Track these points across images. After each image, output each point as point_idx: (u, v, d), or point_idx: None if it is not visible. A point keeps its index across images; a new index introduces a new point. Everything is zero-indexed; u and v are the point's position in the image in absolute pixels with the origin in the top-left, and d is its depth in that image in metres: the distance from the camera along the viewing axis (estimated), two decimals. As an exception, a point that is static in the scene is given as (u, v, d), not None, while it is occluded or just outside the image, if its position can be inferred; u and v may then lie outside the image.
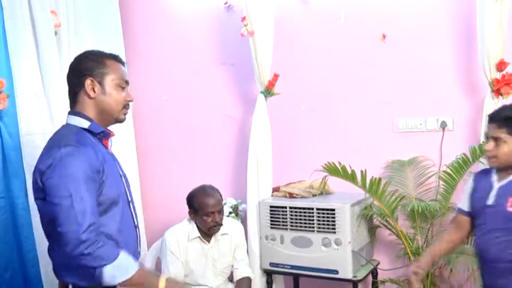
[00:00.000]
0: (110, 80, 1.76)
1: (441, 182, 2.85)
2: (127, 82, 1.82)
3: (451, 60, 3.02)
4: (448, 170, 2.79)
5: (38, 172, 1.66)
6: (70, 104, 1.81)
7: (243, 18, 3.05)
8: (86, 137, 1.72)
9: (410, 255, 2.81)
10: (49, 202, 1.61)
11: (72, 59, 2.94)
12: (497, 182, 2.09)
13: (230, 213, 3.29)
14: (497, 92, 2.72)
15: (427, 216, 2.81)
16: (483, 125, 2.77)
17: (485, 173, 2.20)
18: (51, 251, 1.78)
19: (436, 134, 3.05)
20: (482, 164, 2.76)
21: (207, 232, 2.70)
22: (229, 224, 2.83)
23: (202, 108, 3.66)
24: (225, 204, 3.12)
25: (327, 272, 2.79)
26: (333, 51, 3.26)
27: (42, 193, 1.66)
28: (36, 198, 1.72)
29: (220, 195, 2.75)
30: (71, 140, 1.67)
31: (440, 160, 3.01)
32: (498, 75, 2.72)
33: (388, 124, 3.14)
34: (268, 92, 3.19)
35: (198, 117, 3.68)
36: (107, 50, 3.20)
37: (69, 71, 1.82)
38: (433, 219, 2.83)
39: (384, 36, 3.09)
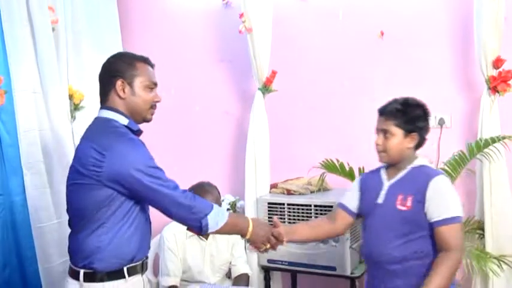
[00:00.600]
0: (139, 82, 1.85)
1: (438, 179, 2.86)
2: (155, 84, 1.91)
3: (448, 57, 3.02)
4: (445, 167, 2.80)
5: (95, 158, 1.71)
6: (101, 101, 1.90)
7: (241, 15, 3.05)
8: (128, 133, 1.82)
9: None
10: (124, 181, 1.71)
11: (69, 56, 3.00)
12: (387, 181, 2.08)
13: (228, 210, 3.30)
14: (494, 89, 2.72)
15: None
16: (480, 122, 2.78)
17: (374, 173, 2.18)
18: (74, 235, 1.83)
19: (434, 131, 3.04)
20: (479, 160, 2.77)
21: (205, 229, 2.70)
22: (227, 221, 2.83)
23: (200, 105, 3.66)
24: (223, 201, 3.13)
25: (324, 268, 2.80)
26: (331, 48, 3.26)
27: (94, 178, 1.71)
28: (76, 183, 1.78)
29: (218, 192, 2.75)
30: (122, 132, 1.79)
31: (438, 157, 3.02)
32: (495, 73, 2.72)
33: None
34: (266, 88, 3.19)
35: (196, 114, 3.68)
36: (104, 47, 3.26)
37: (101, 71, 1.91)
38: (430, 215, 2.84)
39: (382, 34, 3.09)
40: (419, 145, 2.06)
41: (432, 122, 3.01)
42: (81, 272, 1.77)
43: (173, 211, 1.77)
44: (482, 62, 2.73)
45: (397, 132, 1.99)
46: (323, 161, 2.87)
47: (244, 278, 2.76)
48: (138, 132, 1.89)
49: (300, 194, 3.02)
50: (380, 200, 2.05)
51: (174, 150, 3.70)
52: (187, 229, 1.90)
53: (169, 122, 3.67)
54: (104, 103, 1.88)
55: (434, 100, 3.02)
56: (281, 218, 2.93)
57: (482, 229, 2.79)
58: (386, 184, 2.06)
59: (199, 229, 1.81)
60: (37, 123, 2.75)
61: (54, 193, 2.80)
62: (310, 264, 2.83)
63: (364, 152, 3.11)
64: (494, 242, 2.75)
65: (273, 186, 3.20)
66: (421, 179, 1.98)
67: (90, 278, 1.76)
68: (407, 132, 2.00)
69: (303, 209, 2.86)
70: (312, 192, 3.02)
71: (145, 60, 1.90)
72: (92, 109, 3.08)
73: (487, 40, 2.68)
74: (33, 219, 2.68)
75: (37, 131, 2.74)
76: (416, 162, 2.05)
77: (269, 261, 3.01)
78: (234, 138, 3.56)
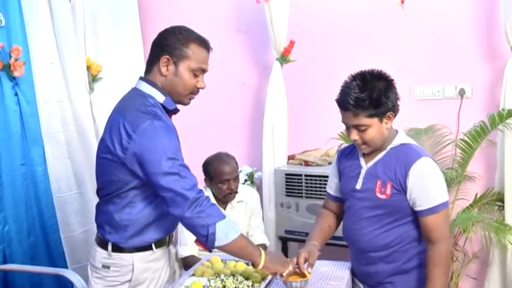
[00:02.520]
0: (186, 64, 1.73)
1: (458, 150, 2.83)
2: (204, 70, 1.80)
3: (471, 24, 2.94)
4: (466, 138, 2.76)
5: (123, 139, 1.65)
6: (146, 69, 1.79)
7: (258, -16, 2.99)
8: (162, 111, 1.72)
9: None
10: (145, 169, 1.64)
11: (86, 27, 2.99)
12: (365, 163, 1.89)
13: (245, 180, 3.31)
14: (519, 59, 2.65)
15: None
16: (503, 92, 2.72)
17: (349, 151, 1.99)
18: (103, 206, 1.81)
19: (454, 102, 3.01)
20: (501, 131, 2.72)
21: (223, 199, 2.72)
22: (245, 192, 2.84)
23: (217, 76, 3.62)
24: (240, 171, 3.14)
25: (341, 239, 2.80)
26: (350, 17, 3.20)
27: (120, 158, 1.66)
28: (105, 158, 1.72)
29: (236, 163, 2.76)
30: (155, 113, 1.68)
31: (457, 128, 2.98)
32: (521, 41, 2.64)
33: (405, 92, 3.05)
34: (284, 59, 3.15)
35: (213, 85, 3.63)
36: (121, 18, 3.24)
37: (155, 39, 1.79)
38: (449, 187, 2.81)
39: (403, 1, 3.01)
40: (394, 117, 1.84)
41: (452, 92, 3.00)
42: (110, 243, 1.79)
43: (180, 211, 1.63)
44: (508, 30, 2.64)
45: (372, 122, 1.76)
46: (341, 132, 2.85)
47: (261, 248, 2.79)
48: (175, 111, 1.81)
49: (317, 165, 3.02)
50: (358, 186, 1.88)
51: (192, 122, 3.70)
52: (195, 241, 1.77)
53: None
54: (146, 74, 1.78)
55: (455, 69, 2.99)
56: (298, 189, 2.95)
57: (502, 201, 2.76)
58: (364, 168, 1.88)
59: (205, 238, 1.64)
60: (56, 94, 2.78)
61: (73, 164, 2.85)
62: (327, 235, 2.84)
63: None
64: (514, 214, 2.72)
65: (291, 157, 3.20)
66: (400, 163, 1.79)
67: (118, 248, 1.78)
68: (382, 115, 1.77)
69: (320, 180, 2.86)
70: (329, 163, 3.01)
71: (202, 43, 1.79)
72: (110, 80, 3.11)
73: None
74: (54, 189, 2.73)
75: (56, 102, 2.77)
76: (396, 141, 1.85)
77: (286, 231, 3.03)
78: (252, 109, 3.55)
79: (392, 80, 1.82)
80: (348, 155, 2.00)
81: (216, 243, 1.65)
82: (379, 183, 1.82)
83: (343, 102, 1.80)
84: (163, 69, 1.73)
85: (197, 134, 3.67)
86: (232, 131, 3.61)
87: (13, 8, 2.57)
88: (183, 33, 1.76)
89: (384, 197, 1.81)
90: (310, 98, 3.35)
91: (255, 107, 3.51)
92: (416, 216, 1.82)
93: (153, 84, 1.75)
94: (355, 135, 1.81)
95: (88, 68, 3.00)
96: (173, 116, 1.86)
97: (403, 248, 1.85)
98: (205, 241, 1.65)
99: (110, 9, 3.18)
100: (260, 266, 1.76)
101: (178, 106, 1.84)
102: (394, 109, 1.81)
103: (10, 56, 2.50)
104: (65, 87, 2.83)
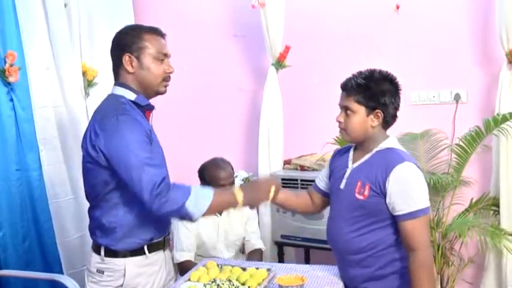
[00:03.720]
0: (147, 54, 1.78)
1: (453, 155, 2.83)
2: (166, 55, 1.83)
3: (466, 30, 2.96)
4: (461, 143, 2.76)
5: (92, 139, 1.70)
6: (114, 77, 1.86)
7: (254, -11, 3.00)
8: (134, 109, 1.77)
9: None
10: (113, 167, 1.68)
11: (82, 32, 2.99)
12: (351, 163, 1.90)
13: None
14: (514, 64, 2.67)
15: (438, 189, 2.80)
16: (498, 97, 2.73)
17: (344, 151, 2.01)
18: (91, 212, 1.87)
19: (449, 107, 3.02)
20: (496, 136, 2.73)
21: (219, 204, 2.71)
22: (241, 197, 2.84)
23: (213, 80, 3.64)
24: (236, 176, 3.13)
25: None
26: (346, 22, 3.21)
27: (95, 158, 1.71)
28: (86, 162, 1.77)
29: (232, 168, 2.75)
30: (123, 109, 1.73)
31: (453, 133, 2.98)
32: (515, 46, 2.66)
33: (401, 96, 3.09)
34: (279, 64, 3.16)
35: (209, 89, 3.66)
36: (116, 23, 3.23)
37: (111, 47, 1.86)
38: (444, 192, 2.83)
39: (398, 7, 3.02)
40: (387, 124, 1.86)
41: (448, 97, 3.01)
42: (102, 248, 1.81)
43: (148, 206, 1.66)
44: (503, 35, 2.65)
45: (359, 110, 1.80)
46: (337, 137, 2.86)
47: (257, 253, 2.79)
48: (148, 108, 1.84)
49: (313, 169, 3.02)
50: (342, 186, 1.89)
51: (188, 127, 3.71)
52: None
53: (182, 99, 3.67)
54: (116, 79, 1.85)
55: (451, 75, 3.00)
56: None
57: (498, 205, 2.77)
58: (350, 168, 1.89)
59: (183, 219, 1.74)
60: (51, 99, 2.77)
61: (69, 169, 2.84)
62: (323, 240, 2.81)
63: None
64: (509, 218, 2.73)
65: (287, 162, 3.20)
66: (381, 167, 1.78)
67: (111, 253, 1.80)
68: (370, 109, 1.80)
69: (316, 185, 2.85)
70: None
71: (154, 31, 1.82)
72: (105, 85, 3.09)
73: (509, 11, 2.59)
74: (50, 194, 2.72)
75: (51, 107, 2.76)
76: (383, 145, 1.84)
77: (282, 236, 3.02)
78: (248, 114, 3.55)
79: (398, 87, 1.87)
80: (342, 154, 2.01)
81: (195, 218, 1.70)
82: (359, 184, 1.82)
83: (344, 82, 1.88)
84: (129, 68, 1.79)
85: (193, 138, 3.67)
86: (228, 136, 3.61)
87: (8, 13, 2.56)
88: (132, 29, 1.86)
89: (361, 197, 1.81)
90: (306, 103, 3.35)
91: (251, 112, 3.51)
92: (394, 222, 1.80)
93: (124, 85, 1.81)
94: (341, 117, 1.86)
95: (84, 73, 2.99)
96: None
97: (378, 253, 1.83)
98: (184, 219, 1.75)
99: (105, 14, 3.18)
100: (240, 205, 1.78)
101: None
102: (385, 110, 1.82)
103: (5, 62, 2.49)
104: (61, 93, 2.82)
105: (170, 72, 1.84)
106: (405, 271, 1.79)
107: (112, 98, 1.82)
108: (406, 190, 1.76)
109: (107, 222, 1.78)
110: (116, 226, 1.77)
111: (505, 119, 2.60)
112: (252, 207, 1.92)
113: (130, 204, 1.76)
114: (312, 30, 3.30)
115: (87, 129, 1.78)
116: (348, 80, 1.86)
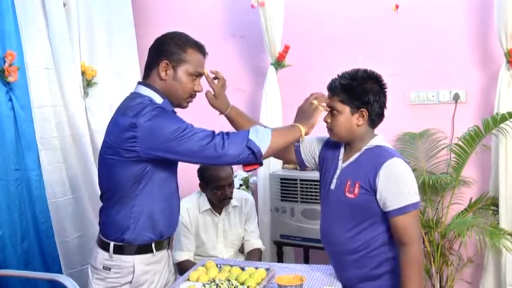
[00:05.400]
0: (184, 68, 1.79)
1: (452, 155, 2.84)
2: (201, 74, 1.86)
3: (465, 29, 2.96)
4: (460, 143, 2.77)
5: (128, 136, 1.69)
6: (144, 74, 1.86)
7: (254, -11, 3.00)
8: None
9: (421, 228, 2.81)
10: (160, 150, 1.68)
11: (81, 32, 2.99)
12: (341, 163, 1.90)
13: (241, 185, 3.31)
14: (513, 63, 2.67)
15: (437, 189, 2.81)
16: (497, 97, 2.73)
17: (335, 148, 1.97)
18: (108, 207, 1.85)
19: (448, 106, 3.02)
20: (495, 136, 2.73)
21: (218, 205, 2.72)
22: (240, 196, 2.84)
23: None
24: (235, 176, 3.13)
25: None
26: (345, 22, 3.21)
27: (128, 154, 1.70)
28: (111, 158, 1.76)
29: (231, 169, 2.75)
30: (153, 105, 1.73)
31: (452, 133, 2.99)
32: (514, 46, 2.66)
33: (400, 96, 3.10)
34: (278, 64, 3.16)
35: (209, 89, 3.65)
36: (116, 23, 3.24)
37: (152, 44, 1.85)
38: (444, 192, 2.83)
39: (397, 7, 3.02)
40: (373, 122, 1.86)
41: (447, 97, 3.01)
42: (112, 244, 1.82)
43: (216, 159, 1.70)
44: (502, 35, 2.66)
45: (343, 109, 1.81)
46: (336, 137, 2.86)
47: (257, 253, 2.79)
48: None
49: (312, 169, 3.01)
50: (332, 186, 1.89)
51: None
52: (244, 167, 1.79)
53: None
54: (145, 78, 1.84)
55: (450, 74, 3.01)
56: (293, 194, 2.95)
57: (496, 205, 2.77)
58: (340, 167, 1.89)
59: (254, 157, 1.70)
60: (50, 99, 2.76)
61: (68, 169, 2.84)
62: (322, 240, 2.84)
63: (378, 128, 3.10)
64: (508, 218, 2.73)
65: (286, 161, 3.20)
66: (371, 164, 1.80)
67: (119, 250, 1.81)
68: (355, 108, 1.81)
69: (315, 185, 2.85)
70: (324, 168, 3.01)
71: (198, 48, 1.85)
72: (104, 85, 3.11)
73: (508, 11, 2.60)
74: (49, 194, 2.72)
75: (50, 107, 2.76)
76: (372, 143, 1.86)
77: (282, 236, 3.03)
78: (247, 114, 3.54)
79: (383, 84, 1.86)
80: (333, 148, 1.98)
81: (263, 151, 1.71)
82: (348, 182, 1.84)
83: (329, 83, 1.90)
84: (163, 74, 1.79)
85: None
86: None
87: (7, 13, 2.56)
88: (181, 39, 1.83)
89: (351, 196, 1.82)
90: (305, 103, 3.35)
91: (250, 111, 3.50)
92: (385, 220, 1.81)
93: (152, 87, 1.81)
94: (327, 117, 1.88)
95: (83, 73, 2.99)
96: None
97: (372, 253, 1.83)
98: (255, 159, 1.71)
99: (104, 14, 3.18)
100: (303, 135, 1.82)
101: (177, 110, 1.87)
102: (371, 109, 1.82)
103: (4, 61, 2.49)
104: (60, 92, 2.82)
105: (198, 91, 1.87)
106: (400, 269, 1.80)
107: (138, 96, 1.79)
108: (396, 185, 1.77)
109: (125, 218, 1.78)
110: (133, 221, 1.78)
111: (504, 118, 2.60)
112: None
113: (150, 197, 1.78)
114: (311, 29, 3.30)
115: (113, 124, 1.77)
116: (333, 80, 1.88)
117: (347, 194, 1.83)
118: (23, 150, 2.65)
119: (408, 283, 1.75)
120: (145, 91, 1.80)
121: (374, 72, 1.89)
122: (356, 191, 1.81)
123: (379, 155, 1.81)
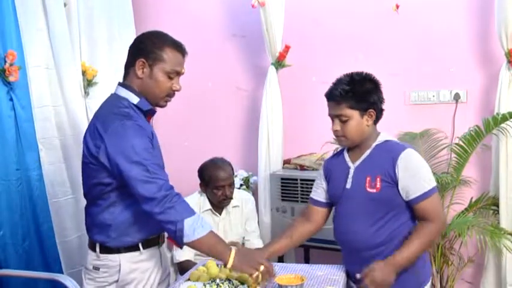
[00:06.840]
0: (161, 67, 1.78)
1: (453, 155, 2.84)
2: (178, 72, 1.83)
3: (466, 29, 2.96)
4: (461, 143, 2.77)
5: (95, 140, 1.72)
6: (124, 73, 1.86)
7: (254, -11, 3.00)
8: (136, 112, 1.78)
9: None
10: (117, 169, 1.68)
11: (81, 32, 2.99)
12: (352, 163, 1.94)
13: (241, 185, 3.31)
14: (514, 63, 2.67)
15: (438, 189, 2.80)
16: (498, 96, 2.73)
17: (337, 157, 2.05)
18: (88, 209, 1.87)
19: (449, 106, 3.02)
20: (496, 136, 2.73)
21: (218, 205, 2.72)
22: (240, 196, 2.84)
23: (212, 80, 3.64)
24: (236, 176, 3.14)
25: (335, 243, 2.80)
26: (345, 22, 3.21)
27: (96, 159, 1.72)
28: (87, 161, 1.77)
29: (232, 169, 2.76)
30: (127, 113, 1.74)
31: (452, 132, 2.99)
32: (515, 46, 2.66)
33: (400, 96, 3.11)
34: (279, 63, 3.16)
35: (209, 89, 3.66)
36: (116, 23, 3.24)
37: (131, 44, 1.85)
38: (444, 191, 2.83)
39: (397, 7, 3.03)
40: (378, 119, 1.94)
41: (447, 96, 3.01)
42: (97, 244, 1.83)
43: (149, 207, 1.66)
44: (502, 34, 2.66)
45: (352, 115, 1.86)
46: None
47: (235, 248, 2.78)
48: (150, 112, 1.85)
49: (313, 169, 3.02)
50: (348, 185, 1.93)
51: (188, 127, 3.71)
52: (167, 238, 1.81)
53: (181, 98, 3.65)
54: (124, 79, 1.85)
55: (450, 74, 3.01)
56: (294, 194, 2.95)
57: (497, 205, 2.77)
58: (352, 167, 1.94)
59: (173, 234, 1.67)
60: (51, 99, 2.76)
61: (69, 168, 2.84)
62: (323, 240, 2.83)
63: (378, 127, 3.09)
64: (508, 218, 2.73)
65: (286, 161, 3.20)
66: (387, 157, 1.86)
67: (106, 250, 1.82)
68: (363, 111, 1.87)
69: (316, 185, 2.85)
70: (325, 167, 3.01)
71: (176, 47, 1.83)
72: (105, 85, 3.10)
73: (509, 11, 2.59)
74: (50, 194, 2.72)
75: (51, 107, 2.76)
76: (380, 139, 1.93)
77: (282, 236, 3.02)
78: (247, 114, 3.55)
79: (378, 82, 1.93)
80: (334, 160, 2.05)
81: (184, 240, 1.67)
82: (368, 178, 1.87)
83: (330, 92, 1.91)
84: (139, 72, 1.79)
85: (193, 138, 3.67)
86: (228, 136, 3.61)
87: (8, 12, 2.55)
88: (159, 37, 1.83)
89: (374, 190, 1.86)
90: (306, 103, 3.35)
91: (251, 111, 3.51)
92: (407, 208, 1.86)
93: (128, 87, 1.81)
94: (337, 126, 1.90)
95: (83, 72, 2.99)
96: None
97: (395, 246, 1.85)
98: (174, 237, 1.68)
99: (105, 14, 3.18)
100: (228, 265, 1.73)
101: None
102: (376, 108, 1.89)
103: (5, 61, 2.49)
104: (60, 92, 2.82)
105: (176, 90, 1.84)
106: (418, 265, 1.86)
107: (115, 98, 1.82)
108: (416, 174, 1.83)
109: (103, 220, 1.79)
110: (111, 224, 1.79)
111: (504, 118, 2.61)
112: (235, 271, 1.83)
113: (128, 203, 1.77)
114: (311, 29, 3.30)
115: (88, 128, 1.79)
116: (333, 89, 1.90)
117: (368, 189, 1.87)
118: (24, 150, 2.65)
119: (410, 246, 1.79)
120: (122, 92, 1.81)
121: (363, 72, 1.93)
122: (378, 185, 1.85)
123: (392, 149, 1.88)
